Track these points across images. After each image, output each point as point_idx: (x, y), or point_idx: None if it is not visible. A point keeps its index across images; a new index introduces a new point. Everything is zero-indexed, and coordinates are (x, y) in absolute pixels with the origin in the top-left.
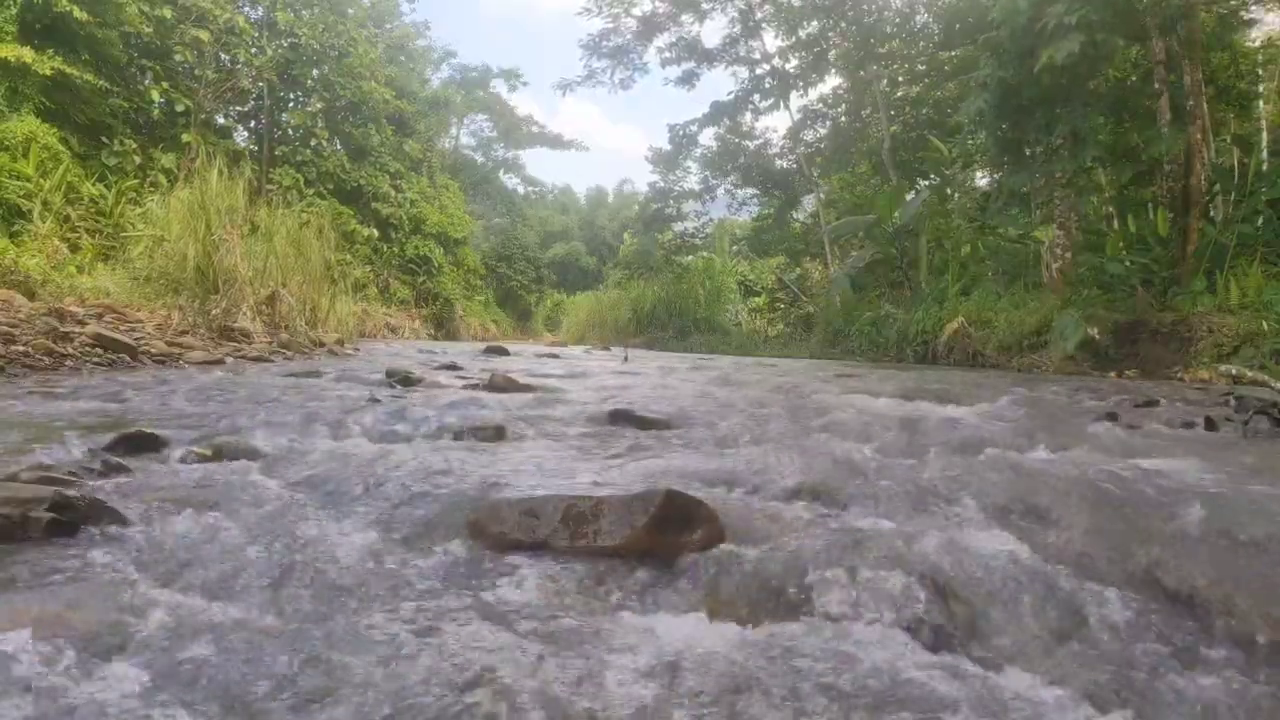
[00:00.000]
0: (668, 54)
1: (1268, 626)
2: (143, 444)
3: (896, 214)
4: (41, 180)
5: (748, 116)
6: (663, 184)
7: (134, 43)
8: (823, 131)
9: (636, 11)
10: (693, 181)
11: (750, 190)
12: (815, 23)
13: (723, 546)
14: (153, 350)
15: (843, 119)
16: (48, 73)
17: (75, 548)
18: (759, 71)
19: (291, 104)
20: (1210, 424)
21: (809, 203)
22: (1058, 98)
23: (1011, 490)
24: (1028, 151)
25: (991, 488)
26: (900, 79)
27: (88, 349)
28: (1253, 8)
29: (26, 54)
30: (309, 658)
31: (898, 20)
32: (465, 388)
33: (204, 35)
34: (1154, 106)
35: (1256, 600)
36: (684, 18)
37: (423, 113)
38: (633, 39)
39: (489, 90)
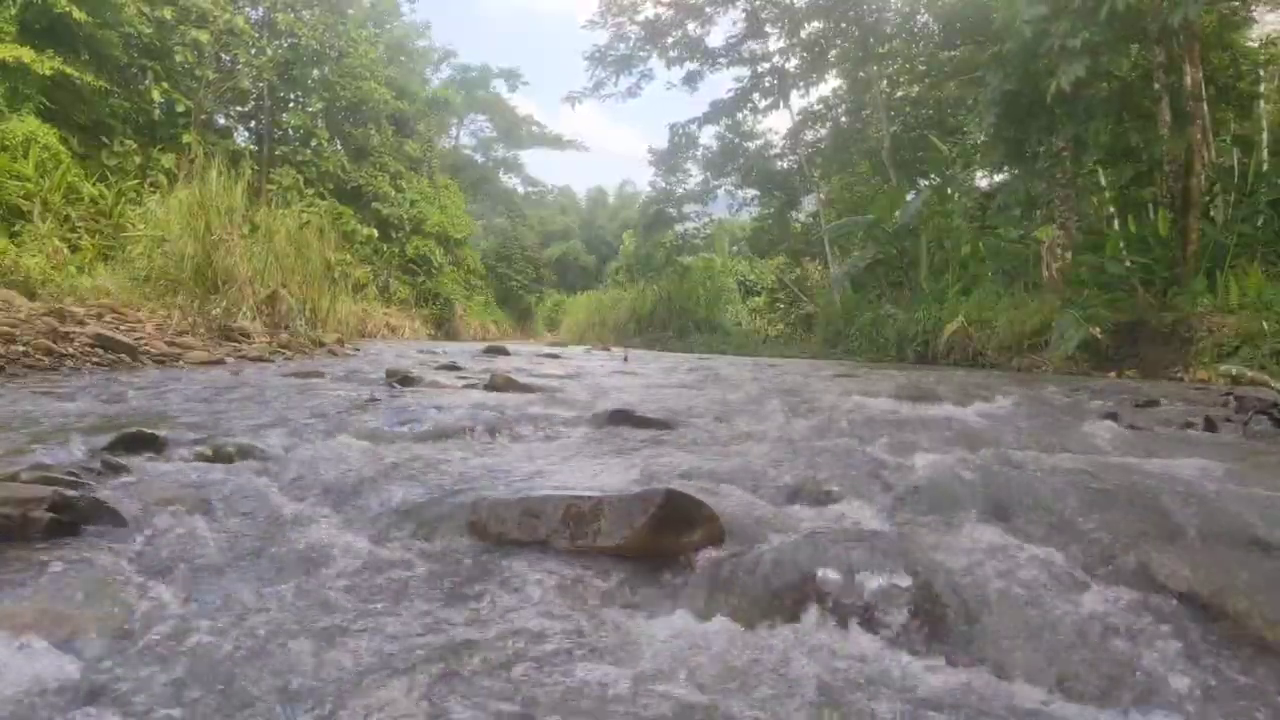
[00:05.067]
0: (671, 54)
1: (1267, 626)
2: (143, 444)
3: (896, 214)
4: (41, 180)
5: (748, 116)
6: (664, 185)
7: (134, 43)
8: (823, 132)
9: (640, 17)
10: (693, 183)
11: (750, 191)
12: (817, 23)
13: (723, 547)
14: (153, 350)
15: (843, 119)
16: (48, 73)
17: (75, 548)
18: (760, 69)
19: (291, 104)
20: (1210, 424)
21: (809, 203)
22: (1061, 103)
23: (1011, 490)
24: (1028, 151)
25: (991, 488)
26: (900, 79)
27: (88, 349)
28: (1253, 8)
29: (26, 54)
30: (307, 657)
31: (898, 20)
32: (465, 387)
33: (204, 36)
34: (1154, 107)
35: (1256, 599)
36: (689, 24)
37: (423, 113)
38: (637, 46)
39: (489, 90)
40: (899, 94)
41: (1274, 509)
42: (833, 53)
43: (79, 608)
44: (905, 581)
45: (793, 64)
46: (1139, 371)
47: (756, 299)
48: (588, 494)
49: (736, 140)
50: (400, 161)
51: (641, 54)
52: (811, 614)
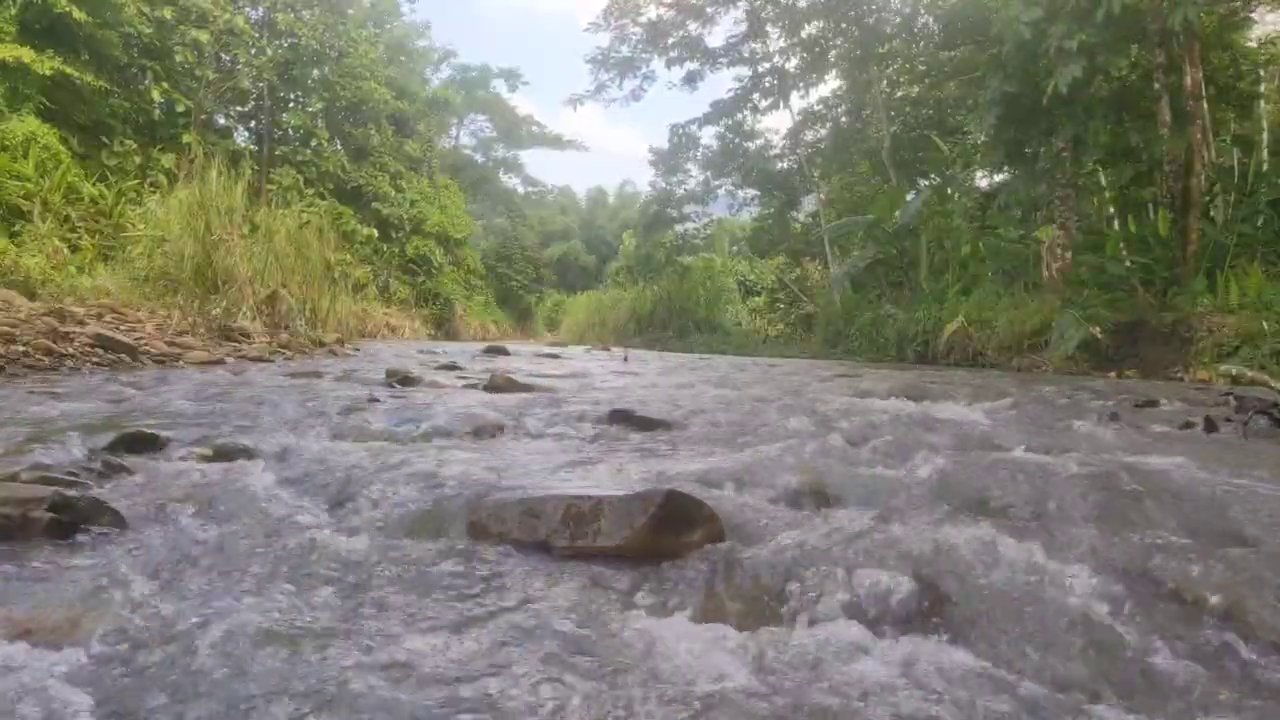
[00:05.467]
0: (672, 54)
1: (1267, 625)
2: (143, 444)
3: (896, 214)
4: (41, 180)
5: (748, 116)
6: (664, 185)
7: (134, 43)
8: (823, 132)
9: (643, 19)
10: (693, 183)
11: (750, 191)
12: (818, 22)
13: (722, 547)
14: (153, 350)
15: (843, 119)
16: (48, 73)
17: (75, 548)
18: (760, 70)
19: (291, 104)
20: (1210, 424)
21: (809, 203)
22: (1060, 105)
23: (1011, 490)
24: (1028, 151)
25: (991, 488)
26: (901, 79)
27: (88, 349)
28: (1253, 9)
29: (26, 54)
30: (306, 658)
31: (898, 20)
32: (465, 388)
33: (204, 36)
34: (1154, 107)
35: (1255, 598)
36: (690, 24)
37: (423, 113)
38: (639, 48)
39: (489, 90)
40: (899, 94)
41: (1274, 508)
42: (832, 53)
43: (79, 608)
44: (906, 580)
45: (793, 64)
46: (1139, 371)
47: (756, 299)
48: (588, 494)
49: (737, 140)
50: (400, 161)
51: (644, 56)
52: (812, 613)
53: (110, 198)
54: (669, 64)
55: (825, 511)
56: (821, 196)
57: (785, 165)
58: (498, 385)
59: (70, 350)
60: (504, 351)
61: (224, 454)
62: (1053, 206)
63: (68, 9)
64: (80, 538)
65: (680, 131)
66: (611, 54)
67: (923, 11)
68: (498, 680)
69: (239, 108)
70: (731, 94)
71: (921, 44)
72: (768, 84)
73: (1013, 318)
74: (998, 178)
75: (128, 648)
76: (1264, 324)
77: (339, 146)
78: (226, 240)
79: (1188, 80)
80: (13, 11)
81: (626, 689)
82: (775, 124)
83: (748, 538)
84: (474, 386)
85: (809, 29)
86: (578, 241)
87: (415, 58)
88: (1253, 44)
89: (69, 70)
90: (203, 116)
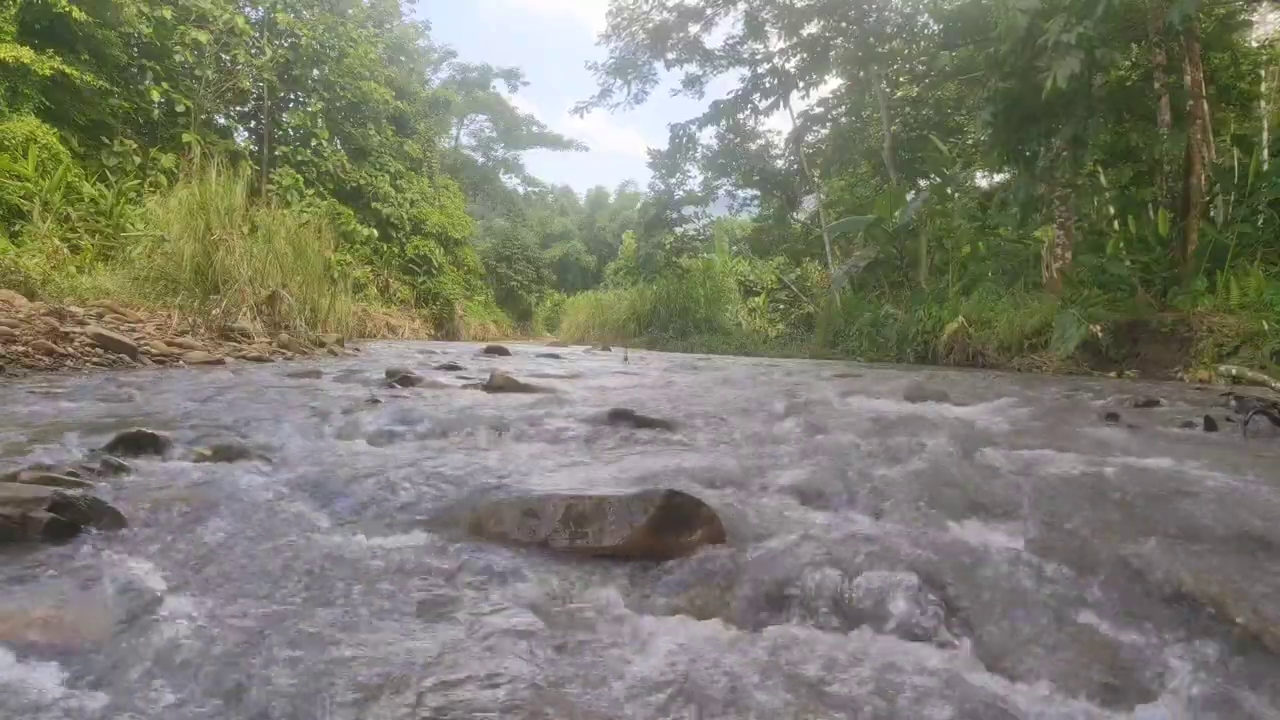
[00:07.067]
0: (670, 55)
1: (1266, 625)
2: (143, 444)
3: (897, 214)
4: (41, 180)
5: (748, 117)
6: (663, 187)
7: (134, 43)
8: (823, 133)
9: (650, 25)
10: (693, 184)
11: (751, 191)
12: (818, 22)
13: (723, 547)
14: (153, 350)
15: (843, 119)
16: (48, 73)
17: (75, 548)
18: (760, 70)
19: (291, 104)
20: (1210, 424)
21: (809, 203)
22: (1059, 105)
23: (1011, 490)
24: (1027, 152)
25: (990, 488)
26: (901, 79)
27: (88, 349)
28: (1254, 10)
29: (26, 54)
30: (306, 658)
31: (898, 20)
32: (465, 388)
33: (204, 36)
34: (1154, 107)
35: (1256, 599)
36: (690, 26)
37: (423, 113)
38: (643, 52)
39: (489, 90)
40: (899, 94)
41: (1274, 508)
42: (832, 53)
43: (79, 608)
44: (905, 580)
45: (792, 64)
46: (1139, 371)
47: (756, 299)
48: (588, 494)
49: (737, 140)
50: (400, 161)
51: (647, 61)
52: (810, 613)
53: (110, 198)
54: (668, 65)
55: (825, 511)
56: (821, 197)
57: (785, 165)
58: (498, 385)
59: (70, 350)
60: (504, 352)
61: (224, 454)
62: (1053, 206)
63: (68, 9)
64: (80, 538)
65: (680, 133)
66: (618, 60)
67: (923, 11)
68: (496, 680)
69: (239, 108)
70: (732, 95)
71: (921, 44)
72: (768, 84)
73: (1013, 318)
74: (998, 178)
75: (128, 648)
76: (1264, 324)
77: (339, 146)
78: (226, 240)
79: (1188, 80)
80: (13, 11)
81: (625, 689)
82: (776, 124)
83: (748, 538)
84: (474, 386)
85: (809, 29)
86: (578, 242)
87: (415, 58)
88: (1253, 44)
89: (69, 70)
90: (203, 116)
